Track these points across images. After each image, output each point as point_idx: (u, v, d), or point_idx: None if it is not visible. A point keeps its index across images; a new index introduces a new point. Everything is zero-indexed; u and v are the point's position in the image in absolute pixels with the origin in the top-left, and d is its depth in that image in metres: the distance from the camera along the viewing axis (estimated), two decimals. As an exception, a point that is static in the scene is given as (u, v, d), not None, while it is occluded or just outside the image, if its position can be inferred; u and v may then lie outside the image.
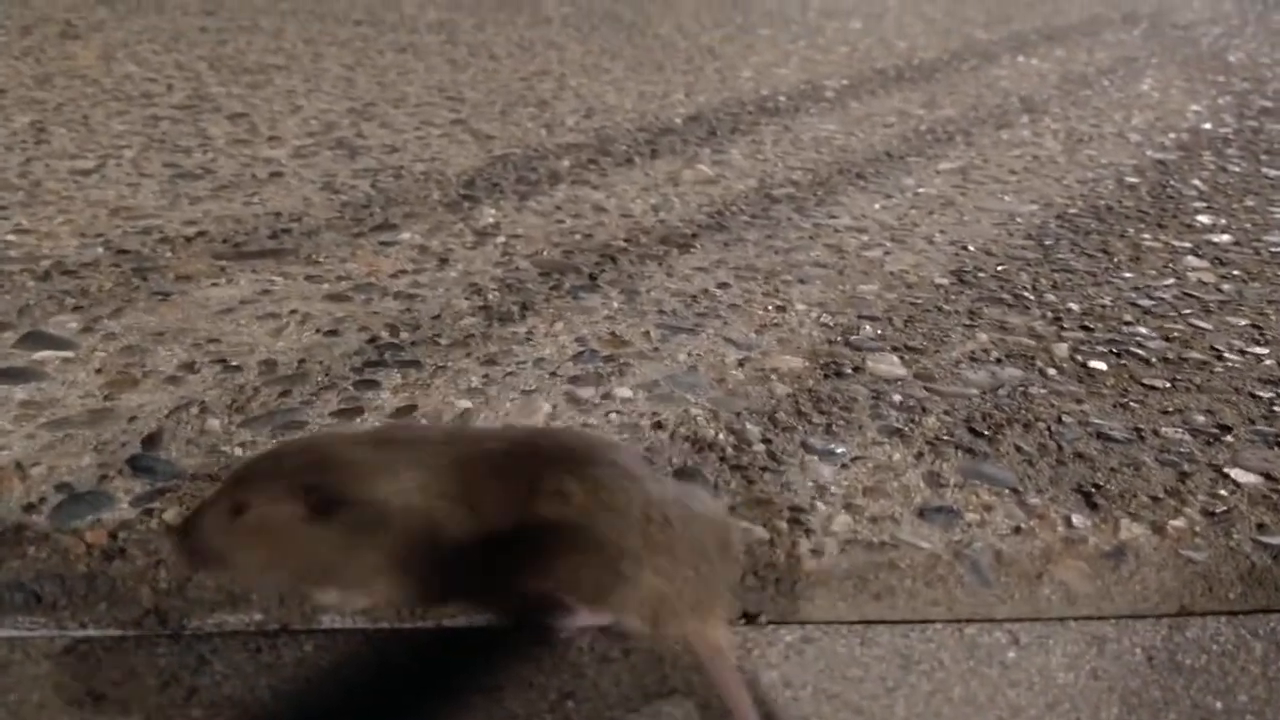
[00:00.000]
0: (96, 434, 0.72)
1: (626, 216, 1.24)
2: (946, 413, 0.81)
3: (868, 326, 0.96)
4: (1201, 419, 0.82)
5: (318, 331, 0.90)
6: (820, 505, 0.69)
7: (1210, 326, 1.00)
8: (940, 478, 0.73)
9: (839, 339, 0.93)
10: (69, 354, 0.82)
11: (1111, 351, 0.93)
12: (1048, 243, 1.22)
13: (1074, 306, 1.03)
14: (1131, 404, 0.84)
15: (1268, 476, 0.75)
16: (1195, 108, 2.06)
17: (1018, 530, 0.68)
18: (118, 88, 1.72)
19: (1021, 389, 0.86)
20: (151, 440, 0.71)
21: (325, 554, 0.53)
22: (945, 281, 1.08)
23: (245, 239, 1.09)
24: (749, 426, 0.78)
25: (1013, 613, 0.61)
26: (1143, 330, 0.98)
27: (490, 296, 0.99)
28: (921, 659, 0.56)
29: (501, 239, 1.15)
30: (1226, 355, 0.94)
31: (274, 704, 0.51)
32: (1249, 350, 0.95)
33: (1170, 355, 0.94)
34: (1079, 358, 0.92)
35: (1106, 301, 1.04)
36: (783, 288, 1.04)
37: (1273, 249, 1.23)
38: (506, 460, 0.54)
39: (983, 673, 0.56)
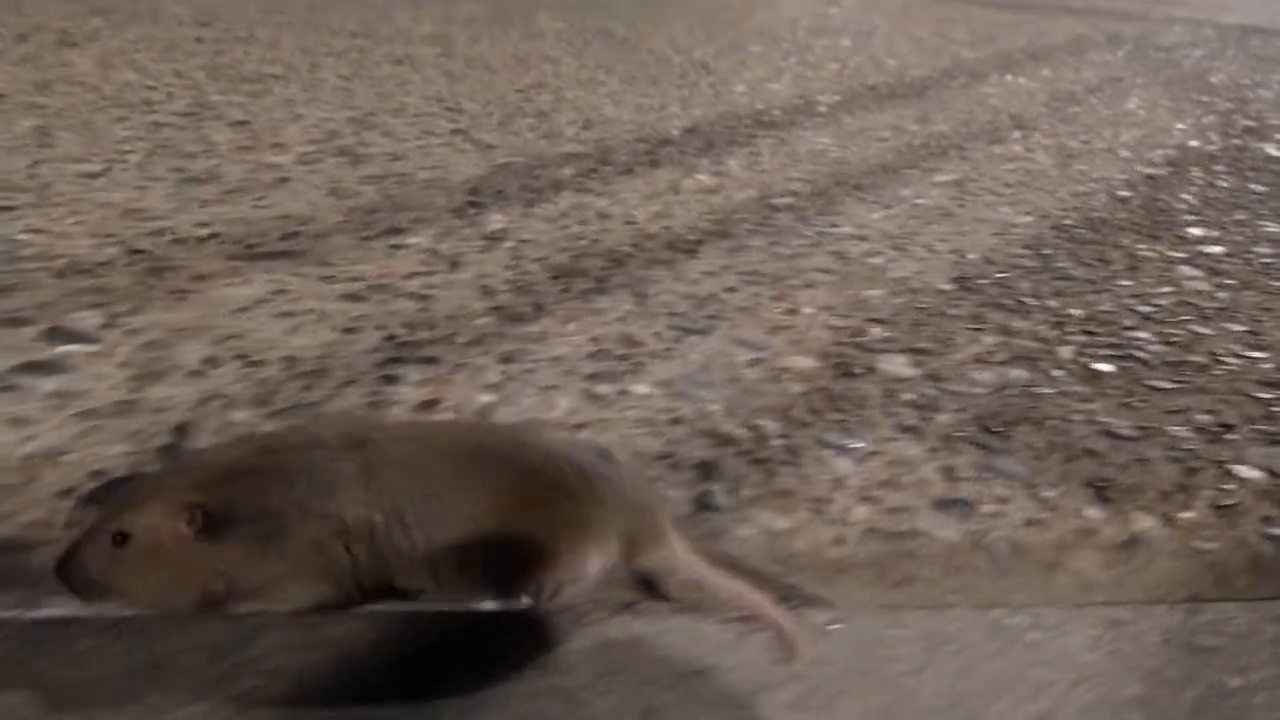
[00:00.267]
0: (125, 424, 0.72)
1: (631, 223, 1.26)
2: (957, 411, 0.83)
3: (875, 329, 0.98)
4: (1205, 418, 0.85)
5: (335, 329, 0.91)
6: (839, 497, 0.71)
7: (1209, 332, 1.02)
8: (954, 472, 0.74)
9: (848, 341, 0.95)
10: (94, 348, 0.83)
11: (1114, 355, 0.95)
12: (1046, 252, 1.24)
13: (1075, 312, 1.05)
14: (1136, 404, 0.86)
15: (1271, 472, 0.77)
16: (1181, 126, 2.10)
17: (1032, 522, 0.69)
18: (118, 95, 1.73)
19: (1029, 389, 0.88)
20: (181, 431, 0.72)
21: (224, 570, 0.52)
22: (948, 287, 1.10)
23: (257, 241, 1.10)
24: (765, 423, 0.80)
25: (1031, 600, 0.63)
26: (1143, 335, 1.01)
27: (503, 298, 1.00)
28: (948, 640, 0.58)
29: (510, 243, 1.16)
30: (1226, 359, 0.96)
31: (323, 677, 0.52)
32: (1246, 354, 0.98)
33: (1171, 359, 0.96)
34: (1083, 360, 0.94)
35: (1107, 308, 1.07)
36: (790, 292, 1.06)
37: (1264, 260, 1.26)
38: (420, 459, 0.55)
39: (1008, 653, 0.57)
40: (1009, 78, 2.53)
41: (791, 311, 1.01)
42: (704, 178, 1.49)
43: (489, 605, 0.58)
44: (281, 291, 0.98)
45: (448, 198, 1.31)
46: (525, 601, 0.55)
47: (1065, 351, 0.95)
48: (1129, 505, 0.72)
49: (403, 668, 0.54)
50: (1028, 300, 1.07)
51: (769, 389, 0.85)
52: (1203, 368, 0.94)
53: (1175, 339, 1.00)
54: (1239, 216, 1.45)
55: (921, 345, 0.95)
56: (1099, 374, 0.91)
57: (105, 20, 2.44)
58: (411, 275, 1.04)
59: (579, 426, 0.78)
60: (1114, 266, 1.20)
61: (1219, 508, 0.72)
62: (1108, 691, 0.55)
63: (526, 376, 0.85)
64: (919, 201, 1.43)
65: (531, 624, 0.57)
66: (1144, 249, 1.28)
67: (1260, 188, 1.61)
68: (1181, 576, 0.66)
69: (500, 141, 1.61)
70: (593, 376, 0.85)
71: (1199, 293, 1.14)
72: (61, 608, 0.56)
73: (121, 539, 0.51)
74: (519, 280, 1.05)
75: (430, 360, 0.86)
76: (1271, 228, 1.42)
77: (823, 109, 2.04)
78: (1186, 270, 1.21)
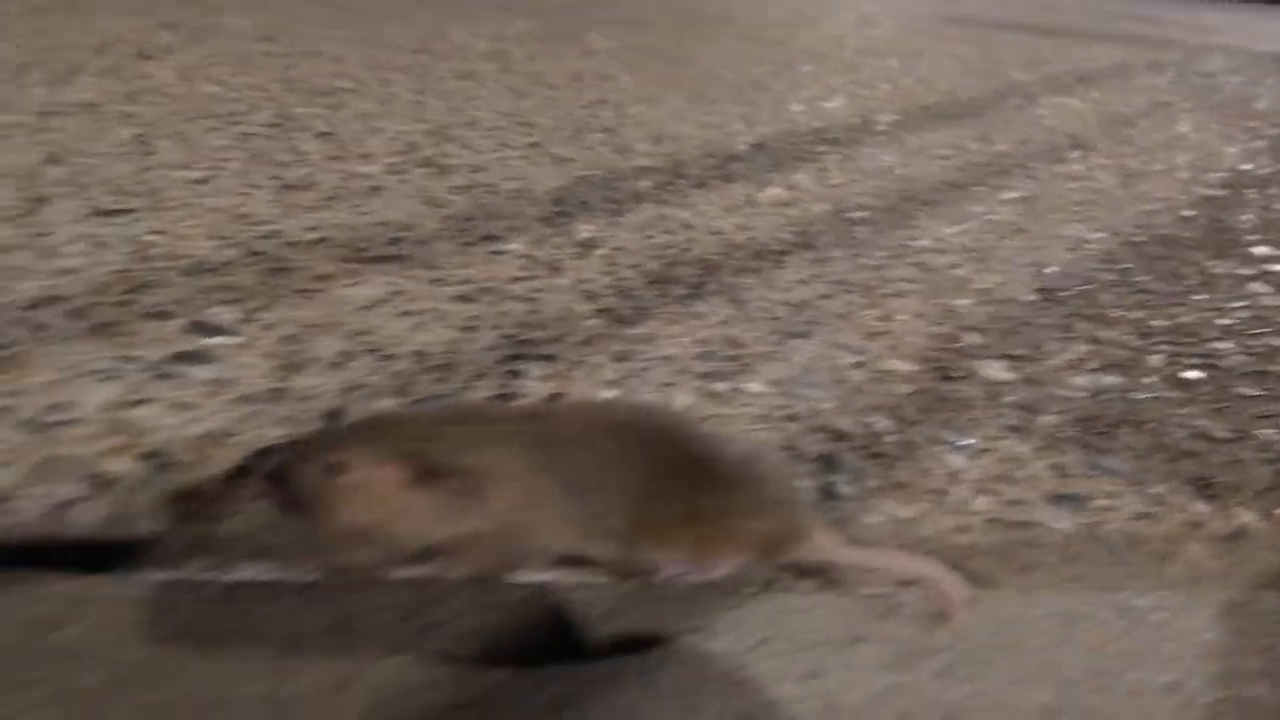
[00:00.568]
0: (279, 410, 0.77)
1: (715, 234, 1.30)
2: (1059, 413, 0.87)
3: (969, 336, 1.02)
4: (1294, 424, 0.88)
5: (454, 328, 0.95)
6: (957, 489, 0.74)
7: (1288, 344, 1.06)
8: (1063, 469, 0.78)
9: (945, 346, 0.99)
10: (238, 340, 0.88)
11: (1201, 363, 0.99)
12: (1122, 266, 1.28)
13: (1159, 323, 1.09)
14: (1226, 410, 0.90)
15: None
16: (1231, 150, 2.13)
17: (1142, 515, 0.73)
18: (205, 106, 1.79)
19: (1124, 394, 0.91)
20: (332, 416, 0.77)
21: (424, 520, 0.56)
22: (1033, 298, 1.14)
23: (365, 245, 1.15)
24: (877, 420, 0.83)
25: (1149, 586, 0.67)
26: (1225, 346, 1.04)
27: (605, 301, 1.05)
28: (1080, 618, 0.61)
29: (603, 251, 1.20)
30: (1308, 369, 1.00)
31: (506, 640, 0.56)
32: (1327, 366, 1.01)
33: (1254, 368, 0.99)
34: (1172, 369, 0.97)
35: (1187, 319, 1.10)
36: (881, 300, 1.10)
37: (1332, 278, 1.30)
38: (591, 435, 0.58)
39: (1136, 630, 0.61)
40: (1060, 99, 2.56)
41: (885, 318, 1.05)
42: (778, 191, 1.53)
43: (652, 576, 0.62)
44: (399, 293, 1.02)
45: (535, 207, 1.36)
46: (688, 573, 0.60)
47: (1155, 360, 0.99)
48: (1231, 501, 0.75)
49: (577, 633, 0.58)
50: (1111, 312, 1.11)
51: (875, 389, 0.89)
52: (1286, 377, 0.98)
53: (1255, 350, 1.04)
54: (1301, 236, 1.48)
55: (1016, 352, 0.99)
56: (1189, 381, 0.95)
57: (174, 34, 2.51)
58: (514, 279, 1.09)
59: (700, 421, 0.82)
60: (1188, 281, 1.24)
61: (1318, 506, 0.76)
62: (1232, 665, 0.59)
63: (642, 374, 0.89)
64: (990, 217, 1.47)
65: (692, 595, 0.61)
66: (1214, 266, 1.31)
67: (1319, 209, 1.65)
68: (1287, 568, 0.69)
69: (575, 155, 1.66)
70: (706, 375, 0.89)
71: (1271, 307, 1.17)
72: (254, 571, 0.60)
73: (336, 470, 0.54)
74: (618, 285, 1.09)
75: (548, 358, 0.90)
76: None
77: (881, 128, 2.08)
78: (1257, 286, 1.25)
